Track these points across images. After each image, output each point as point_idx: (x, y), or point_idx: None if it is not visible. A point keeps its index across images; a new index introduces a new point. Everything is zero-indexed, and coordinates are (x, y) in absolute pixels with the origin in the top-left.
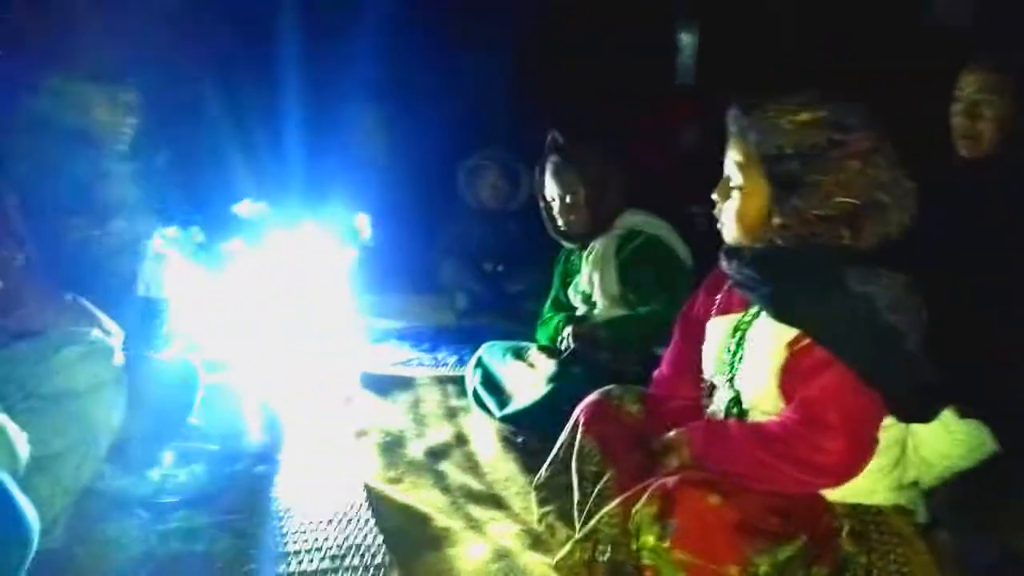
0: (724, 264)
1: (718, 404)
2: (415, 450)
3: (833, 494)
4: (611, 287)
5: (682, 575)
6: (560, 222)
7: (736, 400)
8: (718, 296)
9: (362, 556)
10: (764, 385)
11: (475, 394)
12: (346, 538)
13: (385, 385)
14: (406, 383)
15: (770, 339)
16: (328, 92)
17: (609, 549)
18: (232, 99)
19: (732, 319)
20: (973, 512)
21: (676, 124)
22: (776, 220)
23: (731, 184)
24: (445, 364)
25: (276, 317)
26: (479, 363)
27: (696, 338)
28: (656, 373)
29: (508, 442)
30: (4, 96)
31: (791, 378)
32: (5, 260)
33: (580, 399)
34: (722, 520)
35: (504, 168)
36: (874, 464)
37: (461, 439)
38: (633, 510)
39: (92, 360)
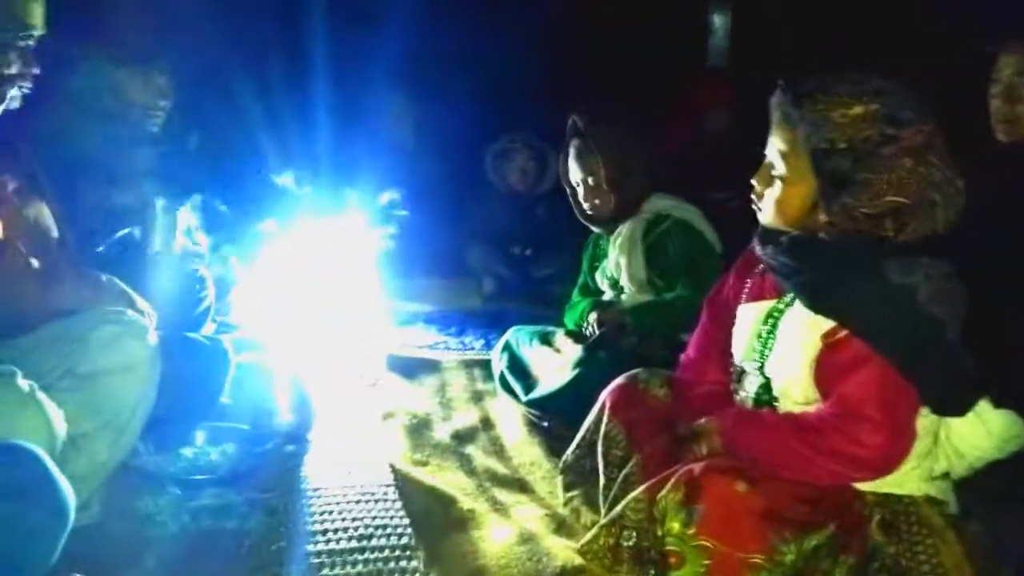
0: (759, 249)
1: (747, 390)
2: (441, 433)
3: (863, 483)
4: (638, 271)
5: (707, 562)
6: (586, 206)
7: (767, 387)
8: (749, 280)
9: (388, 536)
10: (796, 375)
11: (501, 378)
12: (373, 518)
13: (412, 368)
14: (433, 366)
15: (805, 329)
16: (356, 77)
17: (634, 535)
18: (262, 84)
19: (765, 306)
20: (1005, 504)
21: (708, 107)
22: (822, 216)
23: (773, 172)
24: (472, 348)
25: (307, 299)
26: (506, 347)
27: (724, 322)
28: (683, 356)
29: (534, 426)
30: (42, 78)
31: (826, 370)
32: (43, 237)
33: (606, 384)
34: (748, 507)
35: (532, 151)
36: None
37: (487, 423)
38: (659, 496)
39: (127, 339)
